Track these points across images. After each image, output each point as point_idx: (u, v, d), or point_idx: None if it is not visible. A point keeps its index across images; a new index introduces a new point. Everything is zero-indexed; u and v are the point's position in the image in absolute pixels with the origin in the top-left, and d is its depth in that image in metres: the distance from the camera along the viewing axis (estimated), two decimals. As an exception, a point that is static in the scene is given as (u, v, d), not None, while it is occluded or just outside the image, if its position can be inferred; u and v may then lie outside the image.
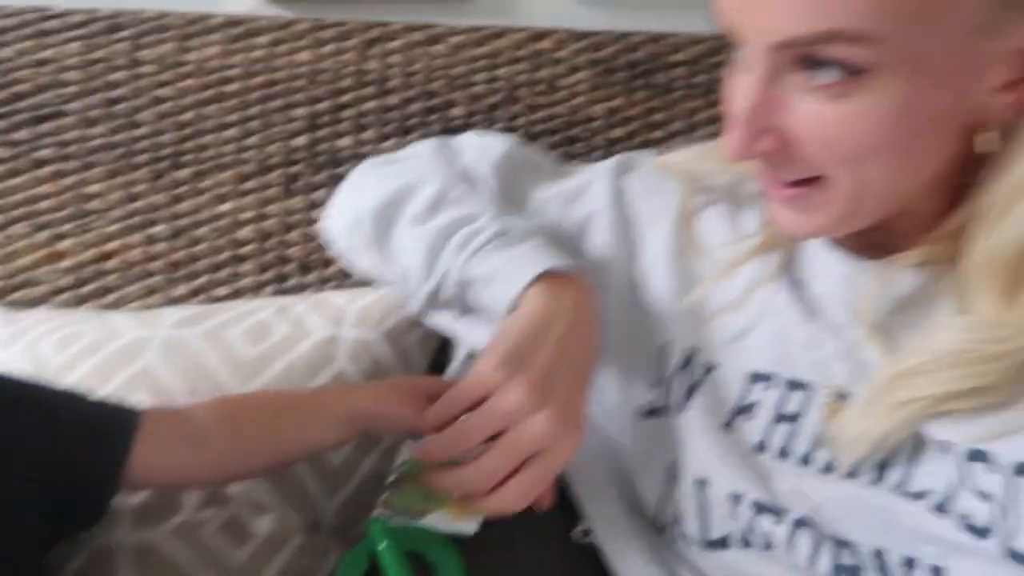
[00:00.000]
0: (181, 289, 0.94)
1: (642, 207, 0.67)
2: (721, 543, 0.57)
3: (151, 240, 0.95)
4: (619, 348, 0.63)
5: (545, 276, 0.58)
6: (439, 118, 0.94)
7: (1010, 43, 0.43)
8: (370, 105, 0.95)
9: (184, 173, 0.95)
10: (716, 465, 0.57)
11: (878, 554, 0.52)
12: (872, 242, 0.55)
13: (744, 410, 0.58)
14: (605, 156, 0.92)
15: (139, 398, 0.71)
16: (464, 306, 0.63)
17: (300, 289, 0.94)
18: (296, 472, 0.71)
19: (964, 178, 0.50)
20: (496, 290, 0.59)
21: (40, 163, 0.94)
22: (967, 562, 0.49)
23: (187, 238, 0.95)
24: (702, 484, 0.57)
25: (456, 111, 0.94)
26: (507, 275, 0.58)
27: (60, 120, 0.94)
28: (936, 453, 0.51)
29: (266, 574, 0.66)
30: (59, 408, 0.58)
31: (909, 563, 0.51)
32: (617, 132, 0.93)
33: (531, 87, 0.94)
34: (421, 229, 0.64)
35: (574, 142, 0.94)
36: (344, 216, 0.73)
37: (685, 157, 0.68)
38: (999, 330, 0.48)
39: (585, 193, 0.68)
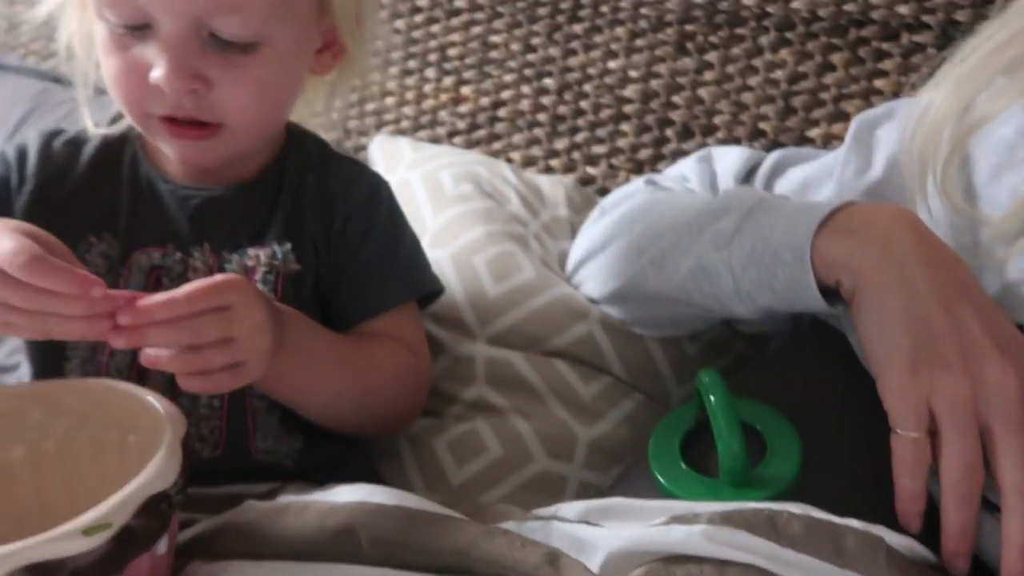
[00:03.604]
0: (562, 143, 0.96)
1: None
2: None
3: (540, 92, 0.97)
4: None
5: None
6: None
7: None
8: (781, -41, 0.86)
9: (579, 27, 0.95)
10: None
11: None
12: None
13: None
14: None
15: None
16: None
17: (677, 156, 0.91)
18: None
19: None
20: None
21: (454, 12, 1.01)
22: None
23: (573, 93, 0.96)
24: None
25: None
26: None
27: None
28: None
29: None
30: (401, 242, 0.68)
31: None
32: None
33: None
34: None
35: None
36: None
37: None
38: None
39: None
